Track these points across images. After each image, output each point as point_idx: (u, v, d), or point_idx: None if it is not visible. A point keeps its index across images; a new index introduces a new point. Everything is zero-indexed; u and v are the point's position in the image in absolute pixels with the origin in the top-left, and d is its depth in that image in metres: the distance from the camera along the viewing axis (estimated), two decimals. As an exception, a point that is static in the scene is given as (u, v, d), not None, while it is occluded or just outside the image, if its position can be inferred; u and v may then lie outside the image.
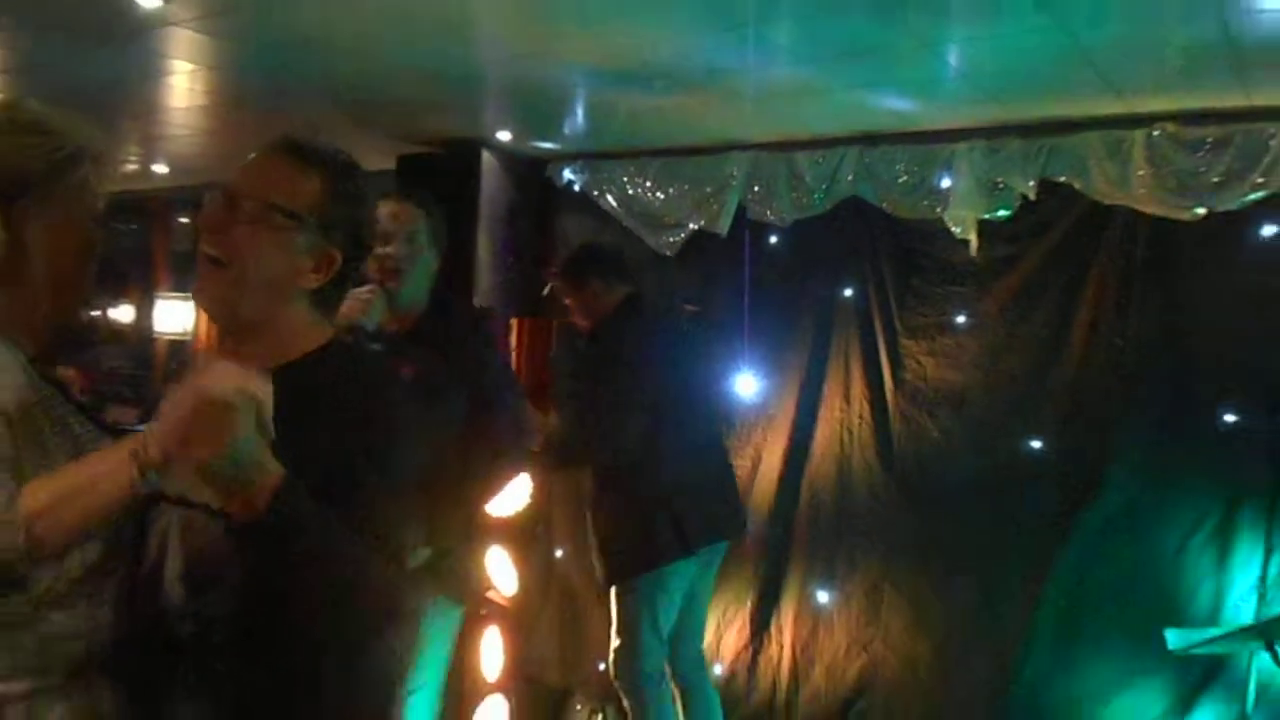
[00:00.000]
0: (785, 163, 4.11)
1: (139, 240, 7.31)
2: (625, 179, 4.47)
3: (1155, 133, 3.36)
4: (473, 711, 4.10)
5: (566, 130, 4.31)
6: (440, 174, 4.60)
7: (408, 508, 1.50)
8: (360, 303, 2.67)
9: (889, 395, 4.01)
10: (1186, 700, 3.35)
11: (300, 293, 1.49)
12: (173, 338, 7.36)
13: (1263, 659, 2.75)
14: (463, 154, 4.54)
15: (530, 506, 4.16)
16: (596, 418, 3.43)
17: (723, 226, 4.22)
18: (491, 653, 4.16)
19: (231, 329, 1.54)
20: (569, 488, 4.24)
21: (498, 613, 4.18)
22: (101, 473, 1.26)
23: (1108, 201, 3.49)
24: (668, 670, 3.59)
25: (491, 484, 2.81)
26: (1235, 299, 3.38)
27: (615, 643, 3.52)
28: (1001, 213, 3.71)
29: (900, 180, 3.88)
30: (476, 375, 2.73)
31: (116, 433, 1.52)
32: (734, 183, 4.20)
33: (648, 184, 4.42)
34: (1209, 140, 3.27)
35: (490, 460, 2.75)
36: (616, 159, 4.51)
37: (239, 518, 1.26)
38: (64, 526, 1.27)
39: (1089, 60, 2.99)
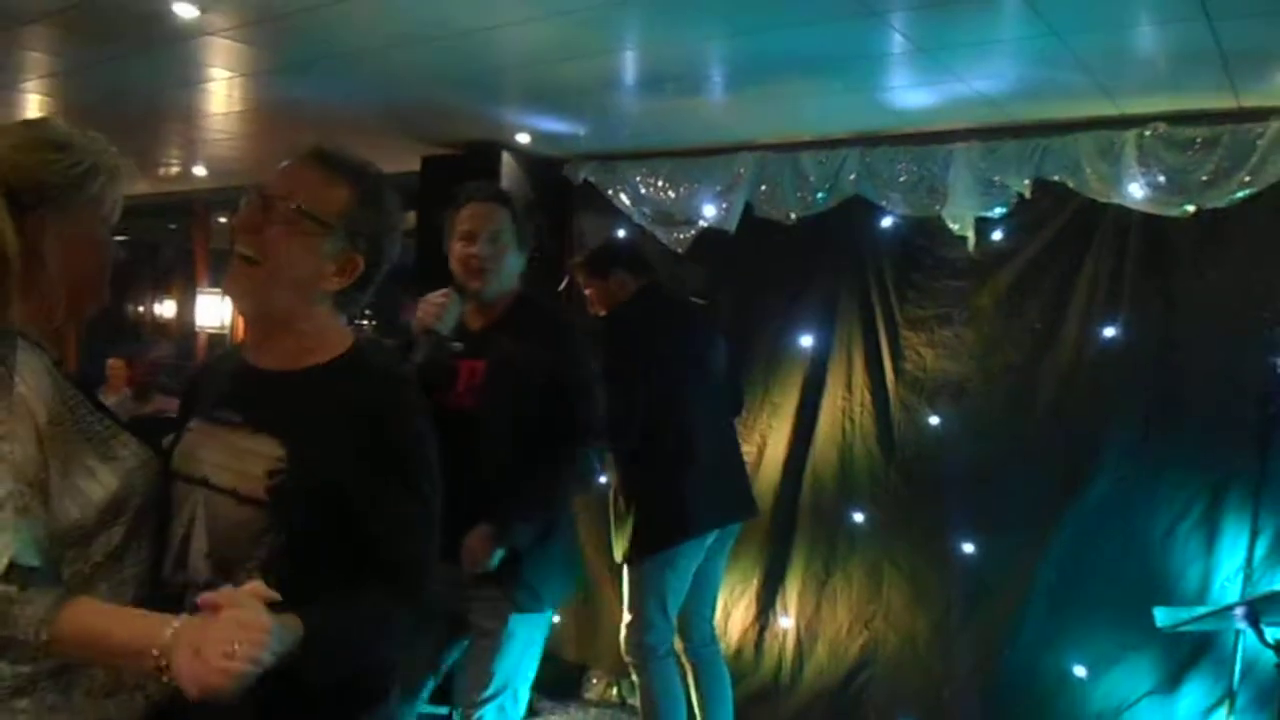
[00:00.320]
0: (790, 163, 4.09)
1: (181, 239, 7.35)
2: (638, 178, 4.46)
3: (1146, 133, 3.31)
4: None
5: (582, 133, 4.30)
6: (463, 174, 4.59)
7: (424, 515, 1.51)
8: (434, 307, 2.62)
9: (890, 385, 3.99)
10: (1175, 676, 3.33)
11: (324, 294, 1.53)
12: (212, 331, 7.41)
13: (1249, 636, 2.72)
14: (484, 155, 4.54)
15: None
16: (609, 400, 3.41)
17: (731, 224, 4.20)
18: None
19: (259, 324, 1.57)
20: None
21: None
22: (134, 641, 1.23)
23: (1100, 199, 3.45)
24: (678, 646, 3.58)
25: (564, 483, 2.67)
26: (1223, 292, 3.33)
27: (626, 619, 3.51)
28: (998, 210, 3.68)
29: (900, 179, 3.85)
30: (556, 373, 2.61)
31: (135, 428, 1.51)
32: (742, 182, 4.18)
33: (660, 183, 4.41)
34: (1198, 140, 3.23)
35: (563, 459, 2.63)
36: (630, 159, 4.50)
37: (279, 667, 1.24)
38: (76, 657, 1.29)
39: (1082, 64, 2.96)
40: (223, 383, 1.60)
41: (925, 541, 3.87)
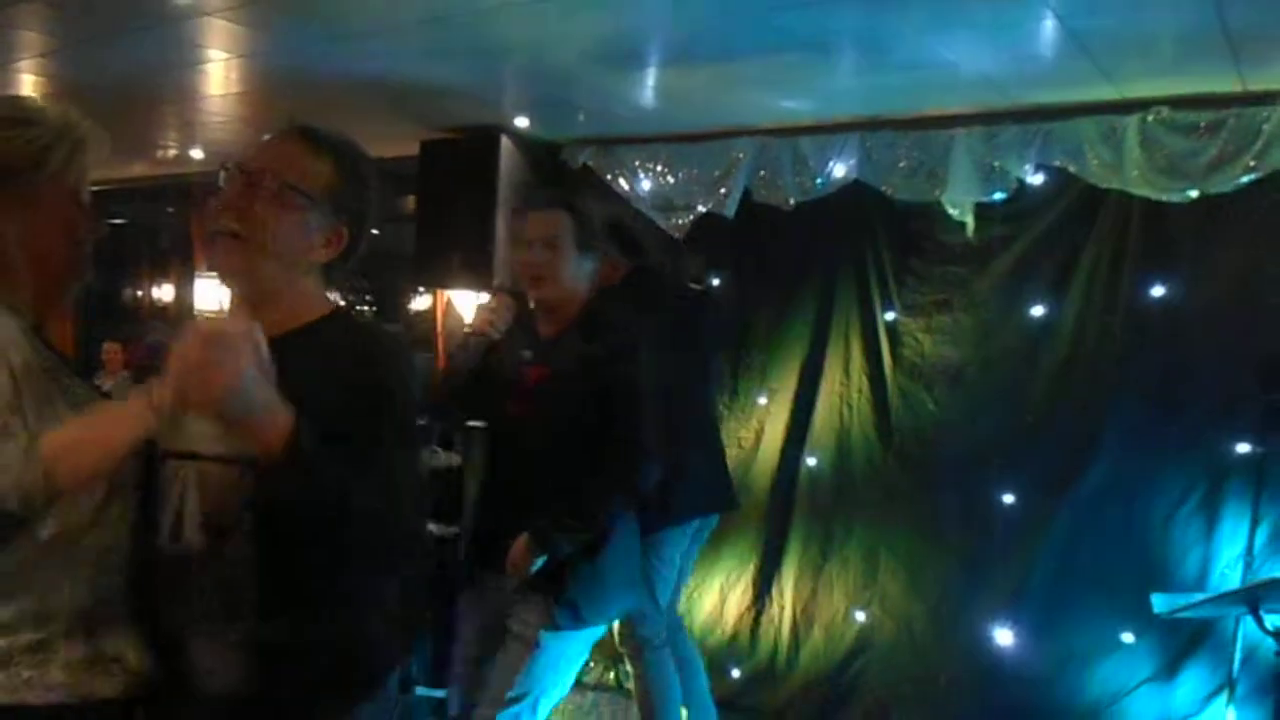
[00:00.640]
0: (789, 147, 4.03)
1: (178, 222, 7.29)
2: (636, 163, 4.40)
3: (1149, 117, 3.26)
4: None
5: (581, 117, 4.24)
6: (461, 158, 4.56)
7: (407, 465, 1.52)
8: (488, 312, 2.61)
9: (887, 371, 3.95)
10: (1173, 663, 3.31)
11: (311, 265, 1.54)
12: (210, 314, 7.34)
13: (1248, 624, 2.69)
14: (482, 139, 4.47)
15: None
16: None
17: (729, 209, 4.15)
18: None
19: (248, 298, 1.54)
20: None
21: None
22: (119, 419, 1.26)
23: (1102, 185, 3.40)
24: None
25: (609, 495, 2.58)
26: (1224, 278, 3.29)
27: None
28: (998, 196, 3.63)
29: (900, 164, 3.80)
30: (600, 383, 2.54)
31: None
32: (741, 167, 4.12)
33: (658, 168, 4.36)
34: (1202, 124, 3.17)
35: (611, 471, 2.56)
36: (628, 144, 4.44)
37: (261, 463, 1.29)
38: (81, 469, 1.26)
39: (1084, 48, 2.91)
40: None
41: (921, 527, 3.84)
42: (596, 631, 2.68)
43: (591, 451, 2.50)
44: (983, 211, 3.67)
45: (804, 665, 4.03)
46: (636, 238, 3.62)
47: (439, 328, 5.86)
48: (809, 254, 4.13)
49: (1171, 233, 3.38)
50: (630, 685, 4.42)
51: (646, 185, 4.38)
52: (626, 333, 2.66)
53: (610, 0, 2.88)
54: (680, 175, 4.30)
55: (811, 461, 4.12)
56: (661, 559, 3.38)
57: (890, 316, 3.96)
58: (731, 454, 4.25)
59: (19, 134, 1.38)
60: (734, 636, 4.19)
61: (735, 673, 4.14)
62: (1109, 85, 3.24)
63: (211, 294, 7.18)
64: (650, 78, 3.63)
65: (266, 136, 1.55)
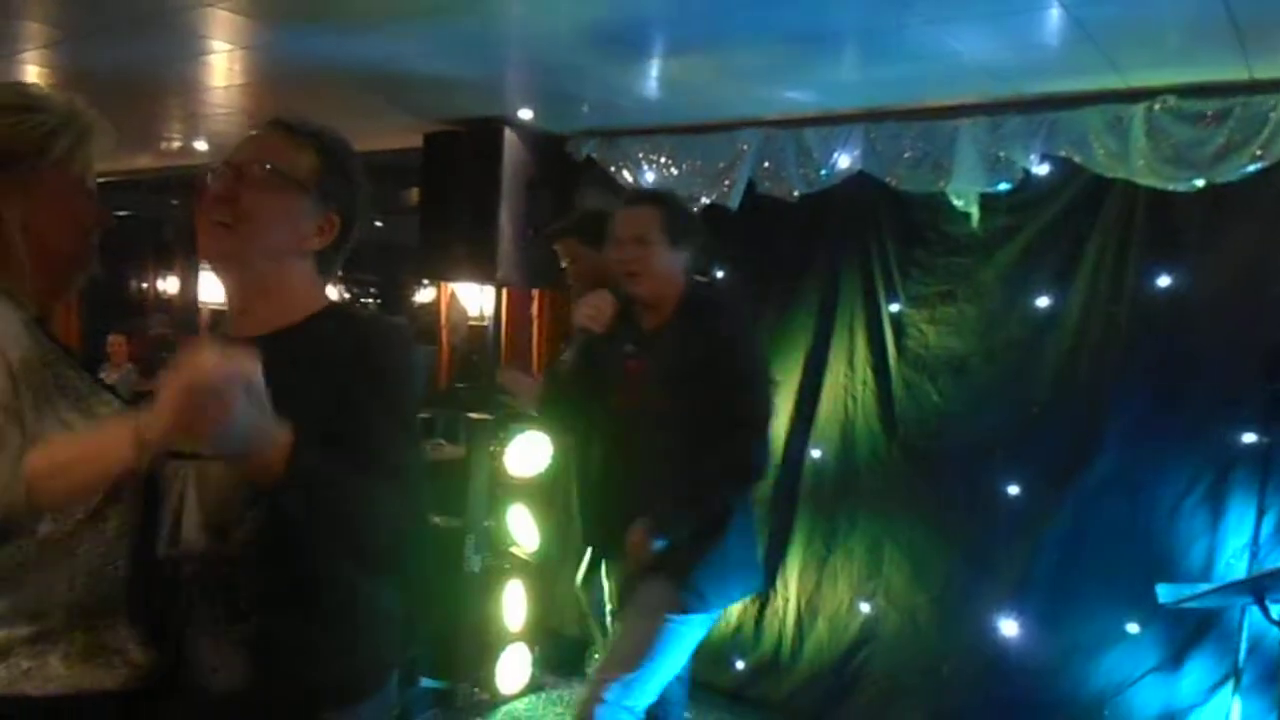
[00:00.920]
0: (794, 139, 4.01)
1: (183, 214, 7.29)
2: (640, 155, 4.38)
3: (1155, 107, 3.23)
4: (498, 659, 4.10)
5: (585, 109, 4.22)
6: (465, 150, 4.54)
7: (409, 460, 1.48)
8: (590, 308, 2.65)
9: (892, 362, 3.93)
10: (1179, 654, 3.29)
11: (304, 255, 1.52)
12: (215, 306, 7.35)
13: (1254, 613, 2.68)
14: (486, 131, 4.45)
15: (551, 468, 4.14)
16: None
17: (733, 201, 4.13)
18: (515, 604, 4.15)
19: (240, 291, 1.52)
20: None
21: (520, 567, 4.16)
22: (105, 445, 1.23)
23: (1107, 175, 3.38)
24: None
25: (724, 478, 2.59)
26: (1230, 268, 3.27)
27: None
28: (1003, 186, 3.60)
29: (905, 155, 3.77)
30: (720, 368, 2.57)
31: (116, 394, 1.47)
32: (745, 158, 4.10)
33: (662, 159, 4.34)
34: (1209, 113, 3.14)
35: (725, 454, 2.57)
36: (632, 135, 4.42)
37: (260, 481, 1.26)
38: (65, 490, 1.26)
39: (1089, 36, 2.89)
40: None
41: (926, 518, 3.83)
42: (715, 615, 2.72)
43: (706, 437, 2.53)
44: (987, 202, 3.65)
45: (808, 656, 4.03)
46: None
47: (443, 320, 5.86)
48: (813, 246, 4.12)
49: (1177, 222, 3.35)
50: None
51: (650, 177, 4.36)
52: (732, 320, 2.73)
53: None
54: (684, 167, 4.28)
55: (816, 453, 4.11)
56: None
57: (894, 308, 3.94)
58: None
59: (24, 120, 1.36)
60: (739, 628, 4.18)
61: (740, 664, 4.13)
62: (1115, 74, 3.21)
63: (216, 286, 7.18)
64: (654, 69, 3.61)
65: (252, 133, 1.54)
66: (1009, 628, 3.59)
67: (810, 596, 4.06)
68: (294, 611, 1.42)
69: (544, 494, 4.22)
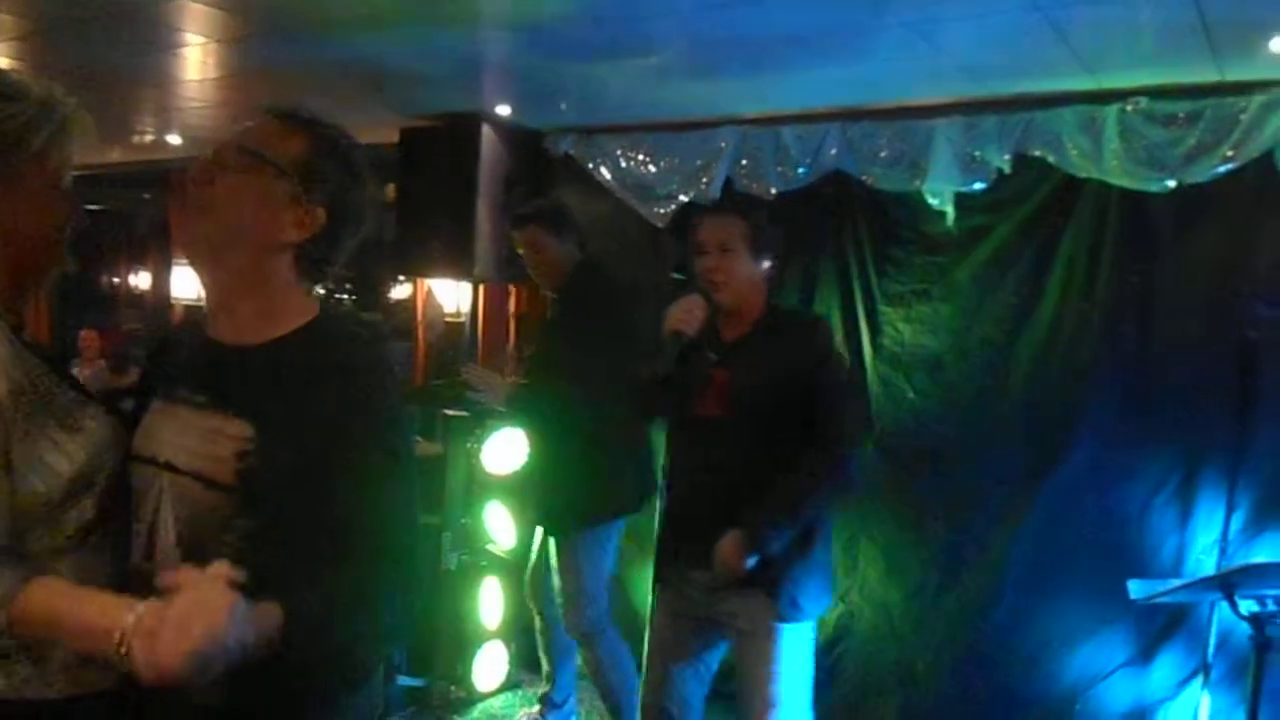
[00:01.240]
0: (772, 137, 4.01)
1: (155, 209, 7.21)
2: (619, 152, 4.37)
3: (1128, 108, 3.26)
4: (475, 656, 4.08)
5: (563, 105, 4.21)
6: (442, 146, 4.51)
7: (403, 485, 1.42)
8: (684, 312, 2.60)
9: (868, 359, 3.93)
10: (1149, 649, 3.33)
11: (281, 249, 1.42)
12: (188, 302, 7.28)
13: (1223, 609, 2.71)
14: (463, 127, 4.43)
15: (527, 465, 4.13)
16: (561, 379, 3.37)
17: (712, 198, 4.13)
18: (492, 602, 4.14)
19: (215, 287, 1.45)
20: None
21: (497, 565, 4.15)
22: (95, 628, 1.17)
23: (1080, 175, 3.40)
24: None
25: (818, 490, 2.58)
26: (1201, 268, 3.30)
27: (566, 596, 3.52)
28: (977, 186, 3.61)
29: (881, 154, 3.79)
30: (808, 379, 2.57)
31: (100, 398, 1.44)
32: (722, 156, 4.10)
33: (640, 157, 4.33)
34: (1180, 114, 3.17)
35: (818, 465, 2.56)
36: (610, 133, 4.40)
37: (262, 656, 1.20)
38: (42, 637, 1.24)
39: (1064, 38, 2.91)
40: (184, 359, 1.50)
41: (901, 515, 3.84)
42: (813, 625, 2.70)
43: (796, 448, 2.53)
44: (963, 201, 3.67)
45: (784, 652, 4.04)
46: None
47: (419, 316, 5.83)
48: (790, 243, 4.10)
49: (1149, 222, 3.38)
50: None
51: (629, 174, 4.35)
52: (825, 333, 2.73)
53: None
54: (662, 164, 4.28)
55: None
56: (611, 545, 3.54)
57: (871, 306, 3.95)
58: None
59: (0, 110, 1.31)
60: (715, 624, 4.19)
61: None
62: (1088, 76, 3.24)
63: (189, 282, 7.11)
64: (632, 67, 3.60)
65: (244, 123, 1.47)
66: (983, 624, 3.61)
67: (786, 593, 4.07)
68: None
69: (519, 491, 4.21)
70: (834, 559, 2.86)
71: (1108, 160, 3.29)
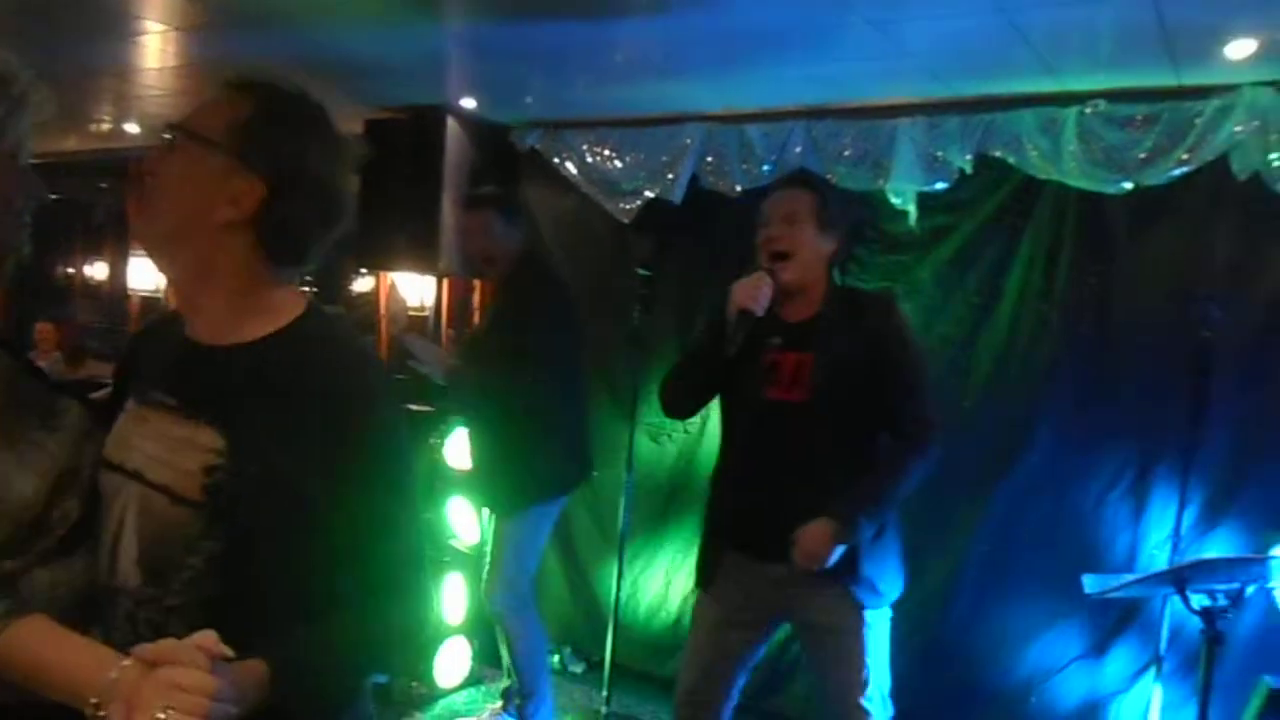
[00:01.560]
0: (737, 135, 4.01)
1: (113, 199, 7.07)
2: (585, 147, 4.35)
3: (1087, 110, 3.30)
4: (436, 652, 4.05)
5: (529, 100, 4.18)
6: (406, 138, 4.46)
7: (406, 512, 1.32)
8: (750, 288, 2.46)
9: (831, 356, 3.96)
10: (1103, 642, 3.38)
11: (224, 231, 1.27)
12: (146, 294, 7.16)
13: (1175, 603, 2.76)
14: (428, 119, 4.39)
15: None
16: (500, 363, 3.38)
17: (676, 194, 4.13)
18: (454, 597, 4.12)
19: (171, 276, 1.37)
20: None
21: (460, 560, 4.12)
22: (77, 681, 1.11)
23: (1040, 176, 3.44)
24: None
25: (903, 476, 2.47)
26: (1157, 269, 3.35)
27: (495, 571, 3.55)
28: (939, 185, 3.65)
29: (845, 153, 3.80)
30: (889, 364, 2.47)
31: (64, 388, 1.39)
32: (688, 153, 4.09)
33: (606, 152, 4.32)
34: (1138, 117, 3.21)
35: (903, 451, 2.47)
36: (576, 128, 4.39)
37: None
38: (22, 682, 1.17)
39: (1025, 40, 2.94)
40: (159, 357, 1.37)
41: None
42: (889, 611, 2.62)
43: (875, 433, 2.45)
44: (925, 201, 3.69)
45: (746, 647, 4.04)
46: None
47: (382, 310, 5.77)
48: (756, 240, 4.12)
49: (1106, 224, 3.43)
50: (575, 669, 4.43)
51: (594, 169, 4.34)
52: (899, 314, 2.59)
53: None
54: (628, 159, 4.27)
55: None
56: (546, 526, 3.61)
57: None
58: (678, 439, 4.25)
59: None
60: (678, 619, 4.19)
61: (678, 656, 4.13)
62: (1049, 78, 3.27)
63: (147, 273, 6.99)
64: (598, 63, 3.59)
65: None
66: (940, 618, 3.64)
67: (748, 588, 4.09)
68: (257, 643, 1.17)
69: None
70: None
71: (1066, 162, 3.33)
